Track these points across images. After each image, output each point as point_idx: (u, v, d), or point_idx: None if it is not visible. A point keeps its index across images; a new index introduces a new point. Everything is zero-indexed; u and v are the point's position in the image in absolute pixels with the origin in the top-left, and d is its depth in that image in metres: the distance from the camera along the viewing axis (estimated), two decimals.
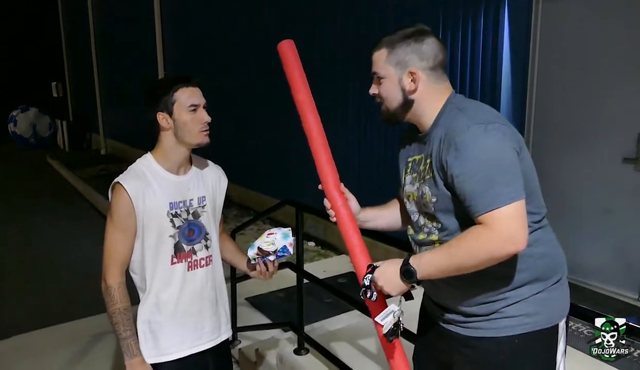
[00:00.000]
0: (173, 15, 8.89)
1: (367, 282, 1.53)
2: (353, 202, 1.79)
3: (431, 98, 1.54)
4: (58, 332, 4.07)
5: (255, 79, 6.74)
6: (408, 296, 1.55)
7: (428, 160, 1.53)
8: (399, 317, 1.59)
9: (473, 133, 1.40)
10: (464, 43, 3.82)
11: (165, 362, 1.90)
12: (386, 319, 1.57)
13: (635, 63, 3.21)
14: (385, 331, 1.57)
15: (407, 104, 1.55)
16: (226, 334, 2.09)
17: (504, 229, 1.34)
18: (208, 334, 1.99)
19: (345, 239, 1.74)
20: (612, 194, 3.43)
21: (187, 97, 1.81)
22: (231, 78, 7.16)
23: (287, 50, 1.80)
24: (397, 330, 1.59)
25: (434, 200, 1.50)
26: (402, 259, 1.48)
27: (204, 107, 1.85)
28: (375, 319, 1.58)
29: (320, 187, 1.78)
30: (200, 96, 1.85)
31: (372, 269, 1.53)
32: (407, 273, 1.45)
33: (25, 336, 4.01)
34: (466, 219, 1.44)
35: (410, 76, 1.52)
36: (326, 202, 1.77)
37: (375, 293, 1.53)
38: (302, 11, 5.69)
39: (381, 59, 1.55)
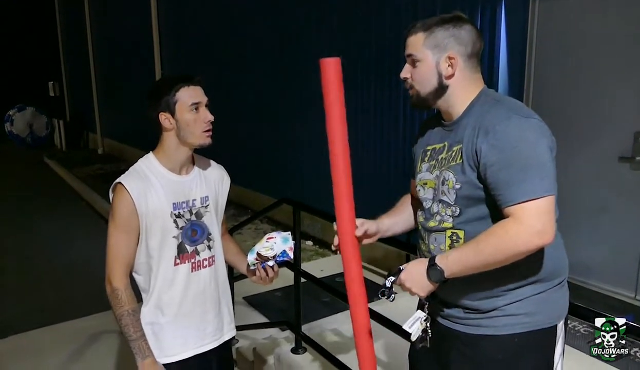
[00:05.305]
0: (170, 14, 8.88)
1: (388, 284, 1.50)
2: (370, 225, 1.68)
3: (465, 86, 1.52)
4: (56, 332, 4.07)
5: (252, 77, 6.74)
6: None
7: (455, 148, 1.50)
8: (427, 323, 1.58)
9: (515, 123, 1.39)
10: None
11: (167, 364, 1.89)
12: (414, 326, 1.57)
13: (632, 62, 3.22)
14: (415, 338, 1.57)
15: (442, 89, 1.52)
16: (229, 333, 2.08)
17: (535, 222, 1.32)
18: (211, 334, 1.98)
19: (347, 287, 1.63)
20: (608, 192, 3.44)
21: (189, 96, 1.80)
22: (228, 76, 7.14)
23: (332, 68, 1.53)
24: (426, 336, 1.59)
25: (457, 186, 1.48)
26: (427, 259, 1.46)
27: (206, 106, 1.85)
28: (403, 326, 1.58)
29: (335, 226, 1.62)
30: (202, 94, 1.84)
31: (397, 271, 1.51)
32: (434, 273, 1.43)
33: (22, 336, 4.01)
34: (490, 209, 1.43)
35: (448, 61, 1.49)
36: (335, 239, 1.66)
37: (394, 295, 1.51)
38: (297, 13, 5.69)
39: (418, 43, 1.52)
